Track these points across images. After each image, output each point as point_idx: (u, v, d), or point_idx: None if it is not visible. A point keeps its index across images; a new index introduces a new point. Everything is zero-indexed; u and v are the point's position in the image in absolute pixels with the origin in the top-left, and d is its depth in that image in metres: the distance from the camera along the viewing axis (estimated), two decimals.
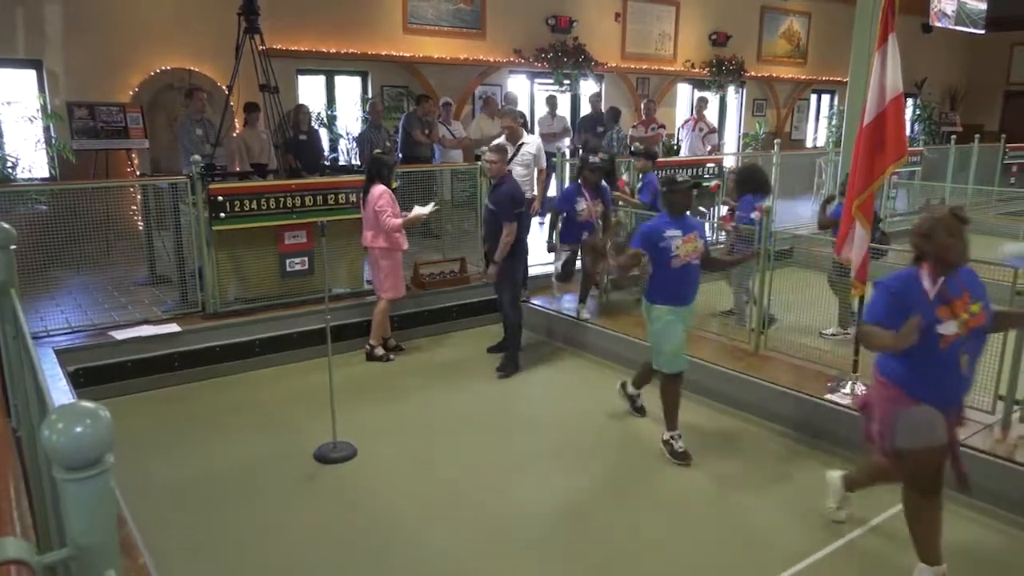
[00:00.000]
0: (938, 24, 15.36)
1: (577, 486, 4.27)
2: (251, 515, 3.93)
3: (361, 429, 4.80)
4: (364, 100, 10.57)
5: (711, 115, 13.01)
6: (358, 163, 9.06)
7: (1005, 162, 13.94)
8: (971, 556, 3.63)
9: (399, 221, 5.87)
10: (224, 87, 8.26)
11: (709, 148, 11.13)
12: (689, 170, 9.22)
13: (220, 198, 5.91)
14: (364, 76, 10.78)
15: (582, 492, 4.21)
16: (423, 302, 6.84)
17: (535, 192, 7.47)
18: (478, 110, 11.03)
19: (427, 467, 4.47)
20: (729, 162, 13.42)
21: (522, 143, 7.23)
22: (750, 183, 6.23)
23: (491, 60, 11.44)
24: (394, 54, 10.55)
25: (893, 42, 4.56)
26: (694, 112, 11.52)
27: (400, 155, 9.46)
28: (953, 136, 13.87)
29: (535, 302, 7.03)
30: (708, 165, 9.70)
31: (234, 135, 8.82)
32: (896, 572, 3.47)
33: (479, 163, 7.49)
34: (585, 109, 11.79)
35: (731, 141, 15.47)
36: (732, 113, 15.49)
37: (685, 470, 4.41)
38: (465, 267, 7.20)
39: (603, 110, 11.03)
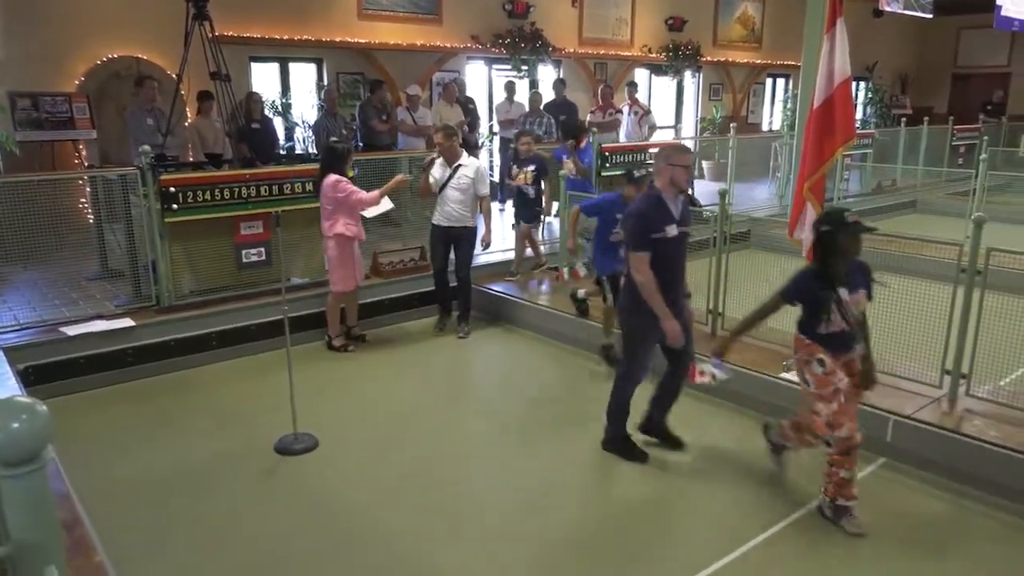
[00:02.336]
0: (888, 9, 15.63)
1: (543, 469, 4.30)
2: (212, 510, 3.89)
3: (322, 420, 4.77)
4: (319, 87, 10.43)
5: (662, 102, 13.06)
6: (315, 151, 8.94)
7: (953, 143, 14.30)
8: (920, 525, 3.74)
9: (375, 192, 5.88)
10: (174, 75, 8.07)
11: (647, 130, 11.18)
12: (638, 156, 9.26)
13: (172, 189, 5.79)
14: (319, 63, 10.62)
15: (547, 476, 4.24)
16: (384, 291, 6.80)
17: (470, 224, 6.37)
18: (436, 96, 10.94)
19: (390, 455, 4.46)
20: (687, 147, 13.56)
21: (459, 165, 6.20)
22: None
23: (448, 46, 11.36)
24: (349, 40, 10.41)
25: (841, 27, 4.64)
26: (627, 96, 11.54)
27: (360, 143, 9.37)
28: (903, 119, 14.20)
29: (496, 288, 7.03)
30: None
31: (186, 124, 8.64)
32: (845, 548, 3.57)
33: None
34: (546, 95, 11.79)
35: (689, 126, 15.62)
36: (689, 98, 15.62)
37: (648, 450, 4.47)
38: (425, 255, 7.17)
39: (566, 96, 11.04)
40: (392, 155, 8.64)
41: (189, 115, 8.83)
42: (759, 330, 5.46)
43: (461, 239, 6.31)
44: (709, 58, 15.12)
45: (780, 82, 17.62)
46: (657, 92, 15.10)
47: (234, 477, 4.21)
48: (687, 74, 15.10)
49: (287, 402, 4.52)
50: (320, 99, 10.05)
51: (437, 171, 6.24)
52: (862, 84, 19.05)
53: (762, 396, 4.89)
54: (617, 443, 4.34)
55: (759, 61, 16.39)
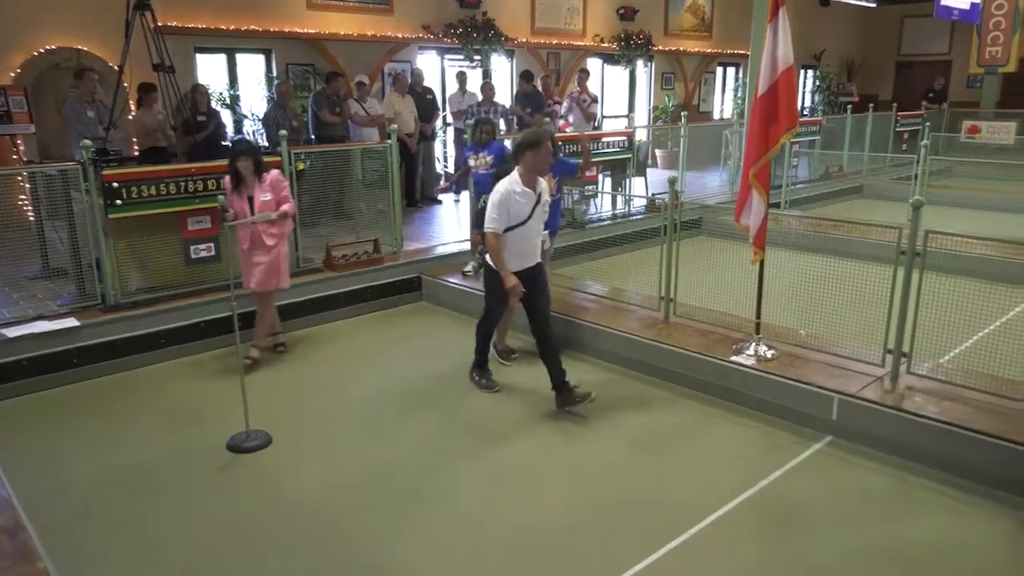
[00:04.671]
0: None
1: (501, 460, 4.32)
2: (164, 511, 3.81)
3: (275, 416, 4.72)
4: (269, 79, 10.25)
5: (615, 91, 13.11)
6: (266, 144, 8.81)
7: (897, 129, 14.68)
8: (865, 500, 3.86)
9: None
10: (115, 67, 7.86)
11: (592, 118, 11.25)
12: (593, 144, 9.29)
13: (115, 184, 5.63)
14: (267, 54, 10.43)
15: (505, 465, 4.26)
16: (337, 284, 6.73)
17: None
18: (388, 87, 10.84)
19: (346, 450, 4.43)
20: (641, 135, 13.70)
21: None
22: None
23: (399, 36, 11.26)
24: (298, 31, 10.24)
25: (784, 16, 4.72)
26: (577, 83, 11.56)
27: (312, 136, 9.25)
28: (850, 106, 14.50)
29: (452, 280, 7.02)
30: (618, 139, 9.82)
31: (129, 117, 8.42)
32: (795, 525, 3.66)
33: (389, 142, 7.41)
34: (499, 85, 11.77)
35: (642, 114, 15.74)
36: (642, 87, 15.74)
37: (598, 434, 4.52)
38: (379, 247, 7.12)
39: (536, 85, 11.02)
40: (346, 147, 8.55)
41: (133, 108, 8.60)
42: (706, 315, 5.58)
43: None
44: (661, 47, 15.25)
45: (731, 71, 17.86)
46: (610, 81, 15.18)
47: (186, 477, 4.14)
48: (639, 63, 15.20)
49: (239, 400, 4.45)
50: (271, 91, 9.88)
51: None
52: (810, 72, 19.42)
53: (714, 380, 4.97)
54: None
55: (710, 50, 16.58)
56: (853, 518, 3.70)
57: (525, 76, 11.21)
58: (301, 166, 6.86)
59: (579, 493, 3.97)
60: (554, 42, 13.51)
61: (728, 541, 3.53)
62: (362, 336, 6.40)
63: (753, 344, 5.00)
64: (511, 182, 4.65)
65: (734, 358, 4.92)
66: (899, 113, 14.69)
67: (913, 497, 3.88)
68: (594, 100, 11.41)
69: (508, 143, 6.63)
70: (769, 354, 4.92)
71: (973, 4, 15.84)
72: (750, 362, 4.85)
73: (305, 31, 10.28)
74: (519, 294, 4.69)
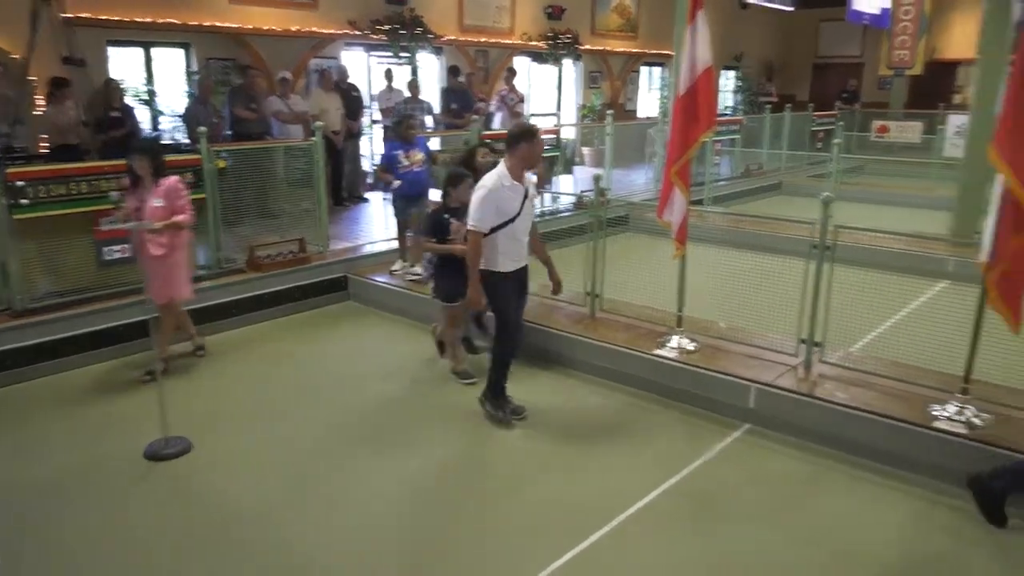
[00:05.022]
0: (752, 0, 16.49)
1: (425, 460, 4.31)
2: (79, 523, 3.67)
3: (195, 422, 4.59)
4: (189, 74, 9.93)
5: (543, 90, 13.22)
6: (187, 142, 8.55)
7: (813, 129, 15.27)
8: (780, 484, 4.01)
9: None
10: (21, 59, 7.48)
11: (518, 116, 11.36)
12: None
13: (21, 183, 5.38)
14: (187, 48, 10.10)
15: (429, 464, 4.26)
16: (261, 285, 6.59)
17: None
18: (314, 84, 10.65)
19: (270, 454, 4.35)
20: (568, 133, 13.85)
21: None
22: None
23: (324, 32, 11.06)
24: (219, 25, 9.95)
25: (702, 18, 4.84)
26: (504, 82, 11.64)
27: (229, 132, 9.02)
28: (769, 106, 15.01)
29: (380, 279, 6.96)
30: (546, 137, 9.89)
31: (37, 113, 8.03)
32: (715, 510, 3.78)
33: (314, 138, 7.28)
34: (427, 82, 11.72)
35: (569, 113, 15.91)
36: (569, 86, 15.90)
37: (524, 430, 4.56)
38: (304, 247, 7.00)
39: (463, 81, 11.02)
40: (269, 144, 8.37)
41: (40, 103, 8.20)
42: (631, 309, 5.70)
43: None
44: (588, 46, 15.44)
45: (656, 71, 18.22)
46: (539, 80, 15.29)
47: (101, 487, 3.98)
48: (567, 62, 15.36)
49: (156, 406, 4.31)
50: (191, 87, 9.58)
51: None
52: (731, 73, 20.00)
53: (639, 372, 5.08)
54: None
55: (635, 50, 16.88)
56: (770, 502, 3.85)
57: (452, 71, 11.20)
58: (222, 164, 6.68)
59: (504, 488, 4.01)
60: (482, 40, 13.51)
61: (652, 529, 3.62)
62: (287, 338, 6.28)
63: (676, 337, 5.13)
64: (498, 176, 4.31)
65: (657, 351, 5.04)
66: (815, 113, 15.30)
67: (825, 480, 4.06)
68: (521, 99, 11.49)
69: (436, 142, 6.64)
70: (691, 347, 5.06)
71: (883, 9, 16.61)
72: (672, 355, 4.99)
73: (226, 25, 9.99)
74: (482, 308, 4.52)
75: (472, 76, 11.41)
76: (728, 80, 20.14)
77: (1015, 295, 3.76)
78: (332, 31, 11.14)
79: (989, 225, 3.80)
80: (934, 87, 19.17)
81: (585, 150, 14.35)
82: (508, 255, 4.44)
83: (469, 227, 4.35)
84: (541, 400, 4.93)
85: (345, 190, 10.30)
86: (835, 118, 15.50)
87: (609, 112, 11.04)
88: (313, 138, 7.33)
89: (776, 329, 5.12)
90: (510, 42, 13.99)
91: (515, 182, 4.36)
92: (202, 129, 6.52)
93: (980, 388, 4.15)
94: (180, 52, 10.09)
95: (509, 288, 4.50)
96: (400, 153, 6.66)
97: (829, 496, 3.92)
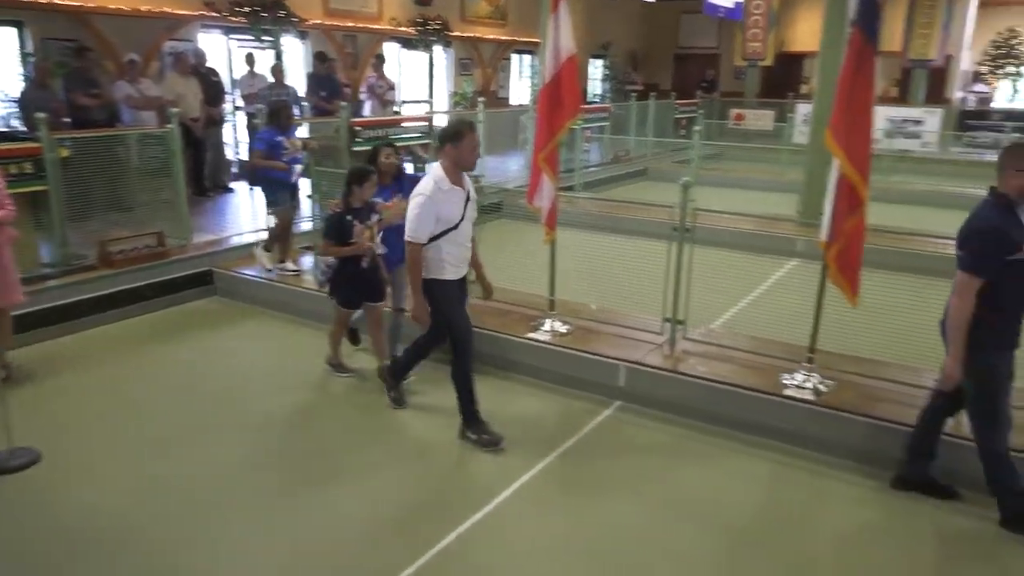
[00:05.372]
0: None
1: (293, 464, 4.20)
2: None
3: (45, 431, 4.25)
4: (24, 56, 9.10)
5: (414, 77, 13.08)
6: (24, 129, 7.86)
7: (676, 116, 15.95)
8: (648, 457, 4.20)
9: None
10: None
11: (388, 104, 11.25)
12: (387, 129, 9.23)
13: None
14: (19, 27, 9.24)
15: (297, 468, 4.15)
16: (115, 282, 6.16)
17: None
18: (168, 68, 10.03)
19: (127, 463, 4.08)
20: (441, 121, 13.77)
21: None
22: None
23: (179, 13, 10.44)
24: (57, 2, 9.17)
25: (565, 8, 4.93)
26: (372, 69, 11.46)
27: (67, 119, 8.34)
28: (634, 94, 15.54)
29: (248, 272, 6.69)
30: (418, 124, 9.82)
31: None
32: (589, 484, 3.92)
33: (170, 126, 6.88)
34: (292, 68, 11.32)
35: (442, 100, 15.84)
36: (441, 73, 15.82)
37: (401, 421, 4.54)
38: (163, 240, 6.62)
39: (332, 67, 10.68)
40: (119, 132, 7.82)
41: None
42: (505, 294, 5.77)
43: None
44: (458, 33, 15.40)
45: (526, 58, 18.43)
46: (410, 67, 15.11)
47: None
48: (438, 49, 15.26)
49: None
50: (26, 69, 8.78)
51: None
52: (599, 62, 20.56)
53: (513, 356, 5.16)
54: None
55: (505, 37, 17.00)
56: (639, 475, 4.02)
57: (319, 57, 10.88)
58: (65, 153, 6.19)
59: (381, 483, 3.97)
60: (349, 24, 13.19)
61: (527, 511, 3.70)
62: (147, 337, 5.91)
63: (549, 321, 5.25)
64: (434, 181, 3.94)
65: (531, 335, 5.14)
66: (677, 101, 15.97)
67: (690, 450, 4.28)
68: (391, 87, 11.32)
69: (304, 130, 6.42)
70: (564, 329, 5.19)
71: (737, 3, 17.54)
72: (546, 338, 5.10)
73: (65, 3, 9.23)
74: (427, 323, 4.14)
75: (334, 63, 11.11)
76: (596, 69, 20.68)
77: (851, 271, 4.10)
78: (187, 12, 10.53)
79: (827, 207, 4.11)
80: (784, 77, 20.50)
81: None
82: (453, 263, 4.11)
83: (407, 239, 3.97)
84: (417, 390, 4.90)
85: (208, 179, 9.80)
86: (696, 106, 16.26)
87: (481, 99, 11.05)
88: (169, 125, 6.92)
89: (644, 309, 5.34)
90: (379, 27, 13.74)
91: (454, 185, 4.01)
92: (40, 115, 6.00)
93: (824, 357, 4.50)
94: (12, 31, 9.23)
95: (452, 291, 4.16)
96: (283, 139, 6.37)
97: (694, 465, 4.13)
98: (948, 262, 4.23)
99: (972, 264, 3.32)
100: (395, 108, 11.24)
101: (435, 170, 4.02)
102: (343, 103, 9.24)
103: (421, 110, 14.48)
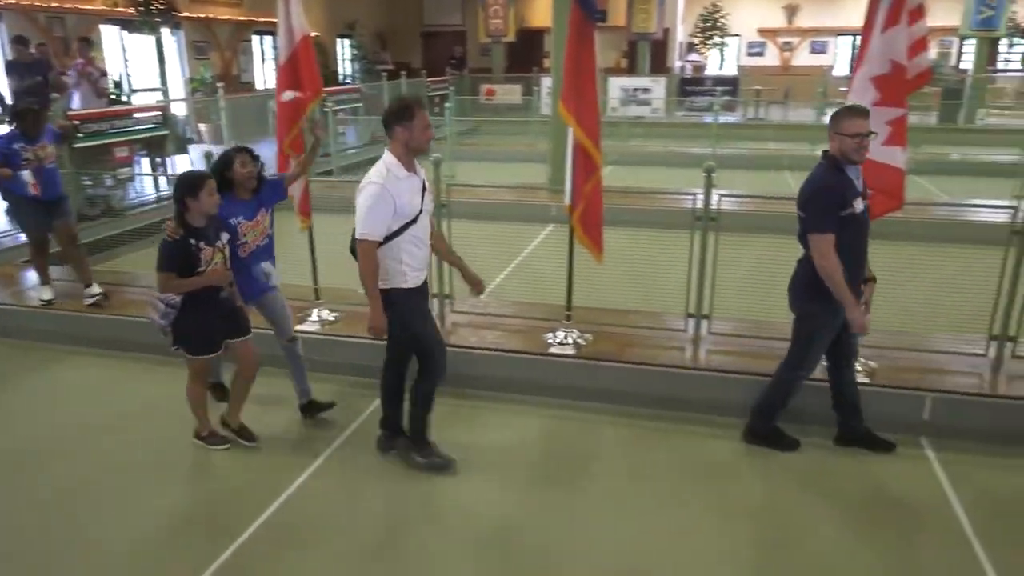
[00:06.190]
0: None
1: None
2: None
3: None
4: None
5: (142, 62, 11.97)
6: None
7: (429, 94, 16.10)
8: (441, 424, 4.26)
9: None
10: None
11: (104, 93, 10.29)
12: (112, 122, 8.40)
13: None
14: None
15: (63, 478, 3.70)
16: None
17: None
18: None
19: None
20: (179, 109, 12.74)
21: None
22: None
23: None
24: None
25: None
26: (79, 55, 10.31)
27: None
28: (385, 73, 15.44)
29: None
30: (151, 115, 9.01)
31: None
32: (379, 470, 3.89)
33: None
34: None
35: (178, 87, 14.63)
36: (173, 57, 14.57)
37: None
38: None
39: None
40: None
41: None
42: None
43: None
44: (188, 14, 14.25)
45: (267, 40, 17.56)
46: (136, 51, 13.74)
47: None
48: (165, 31, 14.01)
49: None
50: None
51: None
52: (347, 42, 20.12)
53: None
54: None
55: (242, 18, 16.04)
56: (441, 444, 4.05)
57: (19, 41, 9.53)
58: None
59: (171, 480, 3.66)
60: (56, 5, 11.67)
61: (330, 479, 3.60)
62: None
63: (315, 310, 5.11)
64: (387, 167, 3.41)
65: (298, 327, 4.94)
66: (428, 79, 16.12)
67: (468, 419, 4.39)
68: (103, 74, 10.23)
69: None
70: (331, 317, 5.08)
71: None
72: (314, 328, 4.96)
73: None
74: (383, 333, 3.56)
75: (44, 47, 9.81)
76: (344, 49, 20.24)
77: (595, 231, 4.42)
78: None
79: (568, 173, 4.39)
80: (527, 53, 21.49)
81: (202, 126, 13.33)
82: (414, 265, 3.56)
83: (358, 237, 3.40)
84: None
85: None
86: (447, 83, 16.52)
87: (220, 85, 10.36)
88: None
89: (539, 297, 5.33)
90: (91, 8, 12.32)
91: (409, 172, 3.49)
92: None
93: (581, 313, 4.83)
94: None
95: (416, 300, 3.63)
96: (21, 146, 5.28)
97: (481, 428, 4.24)
98: (682, 216, 4.72)
99: (818, 223, 3.48)
100: (112, 97, 10.16)
101: (386, 156, 3.49)
102: (54, 94, 8.21)
103: (153, 99, 13.29)
